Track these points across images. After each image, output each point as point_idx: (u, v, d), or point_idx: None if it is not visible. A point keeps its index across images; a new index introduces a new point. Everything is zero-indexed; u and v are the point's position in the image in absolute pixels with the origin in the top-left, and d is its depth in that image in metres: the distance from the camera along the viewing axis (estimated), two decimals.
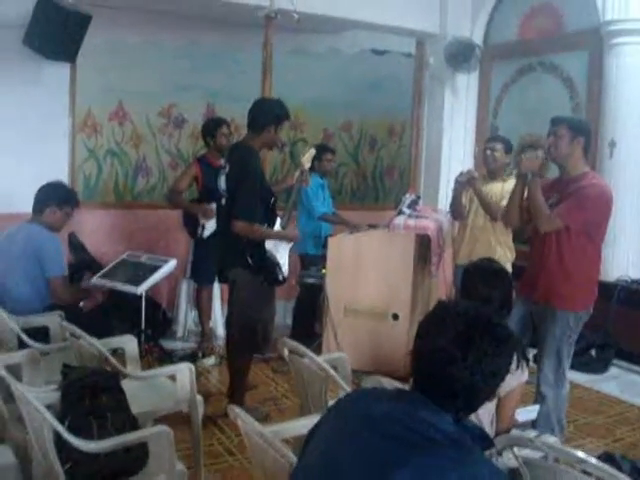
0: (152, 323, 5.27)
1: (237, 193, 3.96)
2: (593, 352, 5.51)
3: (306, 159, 4.46)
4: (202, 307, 5.76)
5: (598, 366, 5.49)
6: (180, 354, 5.38)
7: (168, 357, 5.23)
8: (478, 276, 3.06)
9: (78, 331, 3.27)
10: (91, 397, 2.78)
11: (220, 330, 5.95)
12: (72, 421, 2.62)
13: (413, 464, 1.46)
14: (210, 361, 5.30)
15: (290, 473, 1.99)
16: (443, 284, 6.18)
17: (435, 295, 5.94)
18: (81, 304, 4.92)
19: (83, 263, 5.66)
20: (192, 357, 5.25)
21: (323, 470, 1.57)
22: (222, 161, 5.24)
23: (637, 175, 5.64)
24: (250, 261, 4.03)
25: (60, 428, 2.33)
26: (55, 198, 4.30)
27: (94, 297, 5.13)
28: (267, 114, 4.10)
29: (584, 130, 3.64)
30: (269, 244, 4.13)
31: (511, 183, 4.84)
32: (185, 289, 6.00)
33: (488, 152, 5.03)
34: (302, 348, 3.07)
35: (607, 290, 5.43)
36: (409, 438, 1.50)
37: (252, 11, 5.76)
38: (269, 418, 4.26)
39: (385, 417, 1.56)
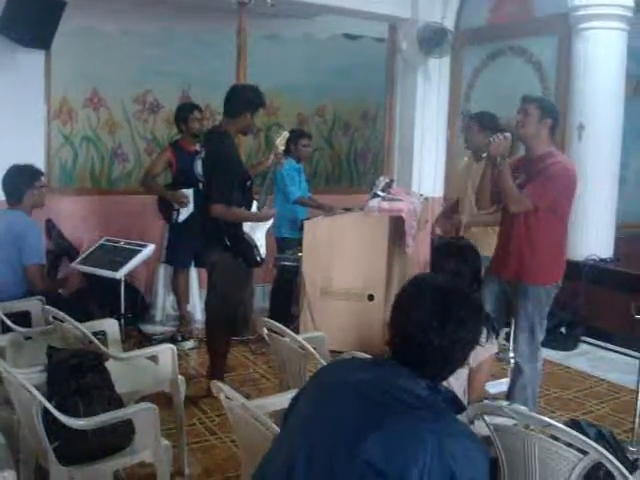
0: (131, 307, 5.33)
1: (213, 177, 4.03)
2: (563, 329, 5.67)
3: (280, 142, 4.54)
4: (179, 291, 5.82)
5: (568, 343, 5.65)
6: (159, 338, 5.45)
7: (147, 341, 5.30)
8: (448, 252, 3.19)
9: (61, 315, 3.33)
10: (77, 377, 2.84)
11: (198, 314, 6.02)
12: (59, 401, 2.69)
13: (388, 426, 1.55)
14: (189, 344, 5.38)
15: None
16: (418, 264, 6.30)
17: (410, 275, 6.05)
18: (60, 290, 4.96)
19: (61, 249, 5.71)
20: (171, 341, 5.27)
21: (306, 437, 1.66)
22: (196, 146, 5.36)
23: (604, 157, 5.79)
24: (228, 243, 4.11)
25: (49, 406, 2.41)
26: (23, 182, 4.30)
27: (70, 285, 5.15)
28: (243, 100, 4.17)
29: (553, 112, 3.75)
30: (246, 226, 4.21)
31: None
32: (162, 273, 6.05)
33: (465, 133, 5.08)
34: (281, 327, 3.17)
35: (576, 269, 5.59)
36: (385, 402, 1.60)
37: None
38: (249, 398, 4.33)
39: (362, 383, 1.66)
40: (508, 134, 3.71)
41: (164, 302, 6.09)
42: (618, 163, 5.91)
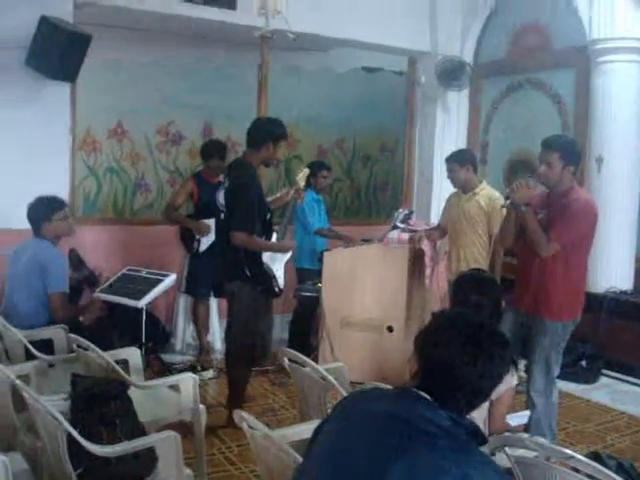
0: (152, 337, 5.36)
1: (235, 206, 4.10)
2: (584, 363, 5.63)
3: (300, 178, 4.62)
4: (199, 321, 5.86)
5: (588, 376, 5.61)
6: (179, 367, 5.47)
7: (168, 370, 5.31)
8: (469, 284, 3.21)
9: (85, 343, 3.37)
10: (100, 405, 2.88)
11: (218, 344, 6.05)
12: (82, 429, 2.72)
13: (412, 456, 1.57)
14: (209, 374, 5.39)
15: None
16: (437, 296, 6.30)
17: (429, 307, 6.06)
18: (81, 318, 5.01)
19: (83, 278, 5.77)
20: (191, 370, 5.30)
21: (329, 467, 1.68)
22: (220, 177, 5.44)
23: (623, 189, 5.80)
24: (248, 273, 4.15)
25: (75, 433, 2.43)
26: (41, 214, 4.38)
27: (94, 312, 5.19)
28: (265, 132, 4.26)
29: (575, 159, 3.79)
30: (266, 256, 4.26)
31: (482, 195, 4.99)
32: (182, 303, 6.09)
33: (448, 174, 5.14)
34: (302, 357, 3.19)
35: (596, 301, 5.58)
36: (408, 432, 1.62)
37: (248, 31, 5.91)
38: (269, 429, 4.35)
39: (385, 414, 1.69)
40: (531, 182, 3.72)
41: (184, 332, 6.12)
42: (637, 194, 5.90)
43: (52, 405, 2.62)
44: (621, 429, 4.67)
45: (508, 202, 3.79)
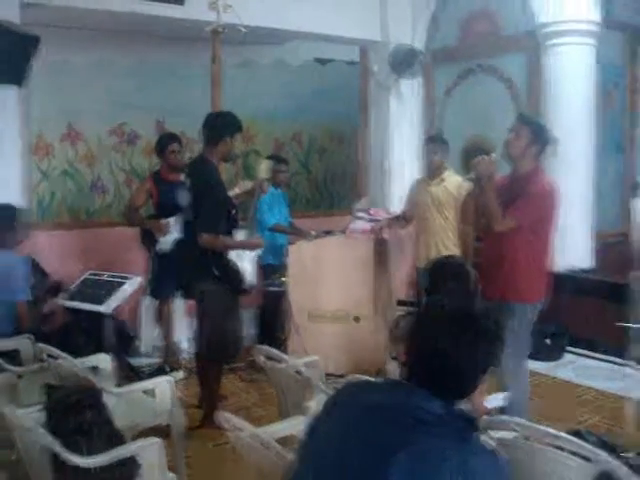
0: (116, 341, 5.28)
1: (200, 207, 4.04)
2: (547, 341, 5.74)
3: (262, 170, 4.59)
4: (164, 322, 5.78)
5: (553, 354, 5.72)
6: (147, 370, 5.41)
7: (135, 373, 5.24)
8: (442, 272, 3.22)
9: (55, 352, 3.30)
10: (76, 414, 2.82)
11: (184, 344, 5.98)
12: (60, 439, 2.66)
13: (411, 446, 1.57)
14: (179, 375, 5.33)
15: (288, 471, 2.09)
16: (401, 284, 6.35)
17: (394, 296, 6.10)
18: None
19: (43, 285, 5.64)
20: (160, 372, 5.27)
21: (328, 463, 1.67)
22: (178, 176, 5.36)
23: (580, 170, 5.91)
24: (216, 272, 4.11)
25: (56, 446, 2.37)
26: (3, 225, 4.28)
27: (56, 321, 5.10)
28: (221, 126, 4.24)
29: (542, 139, 3.85)
30: (233, 254, 4.22)
31: (450, 182, 5.05)
32: (147, 305, 6.01)
33: (431, 155, 5.15)
34: (279, 353, 3.18)
35: (558, 281, 5.62)
36: (405, 423, 1.62)
37: (199, 26, 5.83)
38: None
39: (381, 405, 1.69)
40: (494, 155, 3.77)
41: (150, 334, 6.04)
42: (592, 175, 6.03)
43: (28, 418, 2.56)
44: (588, 404, 4.77)
45: (471, 174, 3.84)
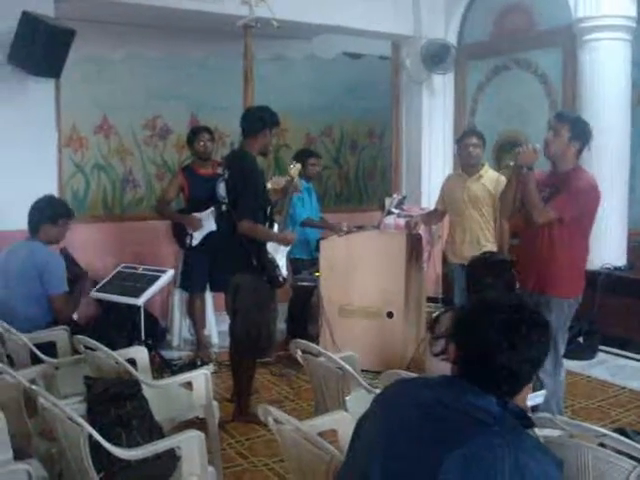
0: (150, 334, 5.30)
1: (240, 195, 4.07)
2: (580, 339, 5.67)
3: (293, 172, 4.63)
4: (196, 316, 5.80)
5: (586, 353, 5.65)
6: (179, 363, 5.42)
7: (167, 367, 5.26)
8: (481, 268, 3.20)
9: (94, 344, 3.32)
10: (117, 406, 2.84)
11: (215, 338, 6.00)
12: (100, 431, 2.67)
13: (465, 444, 1.56)
14: (210, 369, 5.33)
15: (333, 465, 2.08)
16: (433, 280, 6.32)
17: (425, 291, 6.06)
18: (75, 317, 4.95)
19: (76, 278, 5.68)
20: (191, 365, 5.29)
21: (379, 459, 1.66)
22: (210, 170, 5.40)
23: (613, 166, 5.82)
24: (254, 261, 4.12)
25: (99, 437, 2.38)
26: (47, 215, 4.30)
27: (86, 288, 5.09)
28: (261, 119, 4.27)
29: (583, 135, 3.79)
30: (269, 247, 4.23)
31: (488, 177, 5.00)
32: (178, 299, 6.03)
33: (470, 148, 5.02)
34: (317, 347, 3.16)
35: (591, 278, 5.58)
36: (459, 421, 1.61)
37: (231, 20, 5.84)
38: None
39: (434, 402, 1.67)
40: (538, 145, 3.73)
41: (180, 327, 6.06)
42: (628, 171, 5.95)
43: (70, 410, 2.57)
44: (624, 404, 4.70)
45: (512, 164, 3.80)
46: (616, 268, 5.88)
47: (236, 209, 4.09)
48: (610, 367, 5.50)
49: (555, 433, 2.40)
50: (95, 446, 2.48)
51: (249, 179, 4.10)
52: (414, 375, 2.64)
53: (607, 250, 5.85)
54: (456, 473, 1.53)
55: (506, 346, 1.67)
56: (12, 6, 4.94)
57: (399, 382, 1.91)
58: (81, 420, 2.40)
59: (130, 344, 4.41)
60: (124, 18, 5.88)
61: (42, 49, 5.04)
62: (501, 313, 1.72)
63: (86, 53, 5.80)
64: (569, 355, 5.38)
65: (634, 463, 2.13)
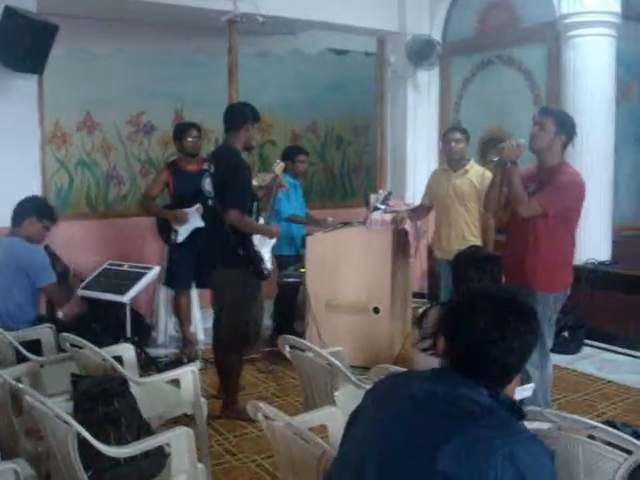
0: (135, 331, 5.26)
1: (228, 185, 4.08)
2: (566, 333, 5.70)
3: (278, 170, 4.65)
4: (181, 313, 5.76)
5: (572, 347, 5.68)
6: (165, 360, 5.40)
7: (153, 364, 5.23)
8: (467, 262, 3.21)
9: (81, 341, 3.29)
10: (104, 404, 2.82)
11: (201, 335, 5.98)
12: (88, 430, 2.65)
13: (459, 437, 1.56)
14: (196, 365, 5.30)
15: (324, 460, 2.08)
16: (418, 275, 6.33)
17: (411, 286, 6.07)
18: (60, 315, 4.92)
19: (59, 275, 5.64)
20: (177, 363, 5.26)
21: (373, 453, 1.65)
22: (196, 166, 5.38)
23: (599, 162, 5.86)
24: (241, 252, 4.13)
25: (88, 435, 2.36)
26: (34, 210, 4.31)
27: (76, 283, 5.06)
28: (243, 113, 4.30)
29: (568, 128, 3.81)
30: (256, 240, 4.23)
31: (473, 172, 5.02)
32: (163, 295, 6.00)
33: (453, 144, 5.03)
34: (306, 343, 3.16)
35: (576, 273, 5.60)
36: (452, 413, 1.61)
37: (216, 16, 5.81)
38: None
39: (427, 395, 1.67)
40: (522, 140, 3.75)
41: (166, 324, 6.03)
42: (612, 167, 5.99)
43: (58, 407, 2.55)
44: (610, 397, 4.74)
45: (496, 159, 3.82)
46: (601, 263, 5.92)
47: (224, 201, 4.09)
48: (595, 361, 5.54)
49: (544, 426, 2.41)
50: (83, 444, 2.46)
51: (237, 171, 4.11)
52: (404, 370, 2.63)
53: (592, 245, 5.89)
54: (450, 465, 1.53)
55: (496, 337, 1.67)
56: None
57: (391, 376, 1.91)
58: (69, 418, 2.38)
59: (116, 342, 4.39)
60: (108, 13, 5.83)
61: (24, 45, 4.98)
62: (490, 304, 1.72)
63: (69, 49, 5.74)
64: (555, 349, 5.36)
65: (624, 455, 2.14)
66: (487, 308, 1.70)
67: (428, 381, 1.72)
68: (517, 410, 1.72)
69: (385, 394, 1.77)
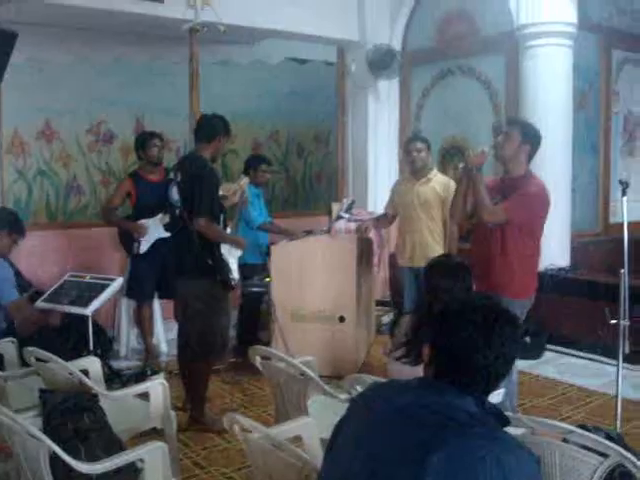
0: (97, 344, 5.17)
1: (196, 193, 4.05)
2: (528, 339, 5.77)
3: (242, 184, 4.77)
4: (144, 324, 5.69)
5: (534, 352, 5.76)
6: (128, 373, 5.30)
7: (117, 377, 5.14)
8: (439, 271, 3.23)
9: (46, 355, 3.22)
10: (73, 420, 2.76)
11: (163, 346, 5.91)
12: (58, 445, 2.59)
13: (447, 446, 1.56)
14: (160, 377, 5.24)
15: (305, 471, 2.06)
16: (381, 282, 6.36)
17: (374, 295, 6.09)
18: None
19: (19, 288, 5.51)
20: (141, 375, 5.18)
21: (360, 465, 1.65)
22: (157, 176, 5.34)
23: (558, 171, 5.95)
24: (210, 261, 4.10)
25: (60, 452, 2.31)
26: (6, 224, 4.22)
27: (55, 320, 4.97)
28: (217, 125, 4.30)
29: (533, 138, 3.89)
30: (224, 249, 4.21)
31: (437, 181, 5.07)
32: (125, 307, 5.91)
33: (414, 153, 5.06)
34: (278, 353, 3.14)
35: (538, 279, 5.72)
36: (439, 422, 1.61)
37: (177, 25, 5.77)
38: None
39: (413, 405, 1.67)
40: (486, 148, 3.80)
41: (128, 336, 5.94)
42: (570, 175, 6.11)
43: (28, 423, 2.48)
44: (573, 401, 4.81)
45: (462, 165, 3.87)
46: (560, 269, 6.02)
47: (192, 209, 4.06)
48: (557, 365, 5.63)
49: (518, 431, 2.43)
50: (54, 461, 2.41)
51: (206, 181, 4.09)
52: (378, 379, 2.63)
53: (552, 251, 5.98)
54: (440, 475, 1.53)
55: (482, 345, 1.69)
56: None
57: (375, 386, 1.91)
58: (41, 435, 2.32)
59: (77, 355, 4.29)
60: (68, 21, 5.73)
61: None
62: (475, 312, 1.74)
63: (28, 57, 5.63)
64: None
65: (600, 458, 2.18)
66: (472, 317, 1.72)
67: (414, 391, 1.73)
68: (502, 417, 1.74)
69: (370, 404, 1.77)
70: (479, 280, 3.95)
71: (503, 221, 3.79)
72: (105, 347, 5.68)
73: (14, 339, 3.89)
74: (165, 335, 5.94)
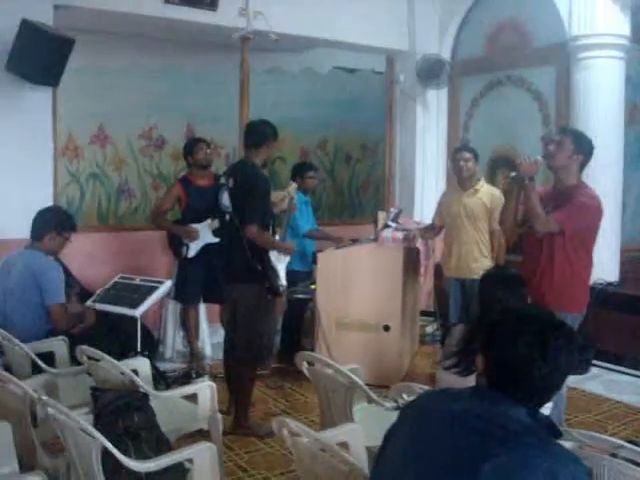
0: (144, 345, 5.25)
1: (248, 200, 4.10)
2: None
3: (291, 190, 4.72)
4: (190, 327, 5.76)
5: (580, 367, 5.65)
6: (173, 375, 5.38)
7: (163, 378, 5.21)
8: (494, 282, 3.22)
9: (98, 354, 3.29)
10: (124, 418, 2.81)
11: (208, 350, 5.97)
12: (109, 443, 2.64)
13: (499, 456, 1.56)
14: (205, 380, 5.30)
15: (352, 477, 2.08)
16: (425, 293, 6.33)
17: (419, 305, 6.07)
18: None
19: (69, 288, 5.63)
20: (186, 377, 5.26)
21: (411, 472, 1.65)
22: (207, 181, 5.41)
23: (607, 184, 5.85)
24: (259, 267, 4.14)
25: (113, 449, 2.35)
26: (54, 224, 4.30)
27: (90, 320, 5.07)
28: (265, 131, 4.35)
29: (585, 149, 3.84)
30: (272, 256, 4.25)
31: (483, 192, 5.04)
32: (171, 310, 5.99)
33: (462, 163, 5.06)
34: (326, 359, 3.16)
35: None
36: (492, 431, 1.61)
37: (229, 33, 5.85)
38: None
39: (467, 414, 1.67)
40: (539, 157, 3.77)
41: (174, 339, 6.02)
42: (621, 188, 6.01)
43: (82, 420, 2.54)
44: (620, 418, 4.73)
45: (513, 174, 3.84)
46: (609, 284, 5.93)
47: (243, 215, 4.10)
48: (604, 381, 5.53)
49: (567, 444, 2.41)
50: (103, 458, 2.46)
51: (259, 188, 4.15)
52: (427, 387, 2.64)
53: (601, 266, 5.88)
54: None
55: (538, 357, 1.68)
56: (11, 14, 4.92)
57: (428, 394, 1.92)
58: (95, 431, 2.37)
59: (124, 356, 4.37)
60: (122, 28, 5.88)
61: (41, 57, 5.03)
62: (531, 324, 1.73)
63: (84, 62, 5.77)
64: None
65: None
66: (528, 328, 1.72)
67: (466, 400, 1.72)
68: (554, 429, 1.73)
69: (423, 412, 1.77)
70: (531, 292, 3.92)
71: (556, 230, 3.75)
72: (151, 348, 5.78)
73: (65, 338, 3.97)
74: (210, 339, 5.99)
